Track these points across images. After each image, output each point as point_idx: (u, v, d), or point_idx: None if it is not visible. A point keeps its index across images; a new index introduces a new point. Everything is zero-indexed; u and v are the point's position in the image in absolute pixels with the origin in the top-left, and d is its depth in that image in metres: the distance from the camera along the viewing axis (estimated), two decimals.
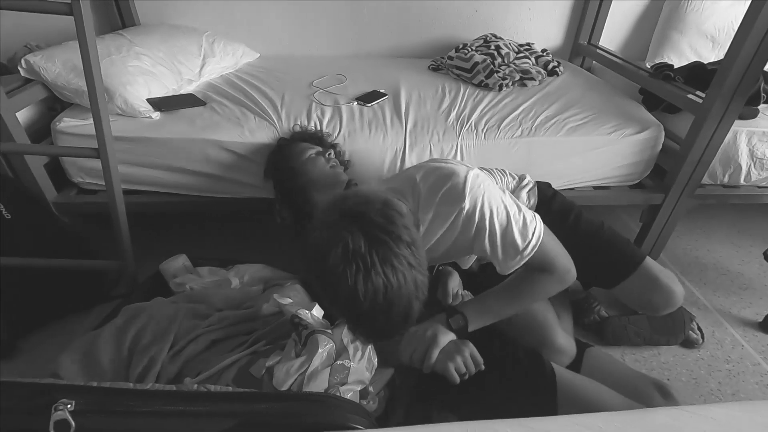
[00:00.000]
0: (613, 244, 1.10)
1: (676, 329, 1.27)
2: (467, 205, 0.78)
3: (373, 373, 0.85)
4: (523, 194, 1.15)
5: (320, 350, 0.77)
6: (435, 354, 0.81)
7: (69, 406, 0.60)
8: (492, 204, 0.80)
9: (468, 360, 0.81)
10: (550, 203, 1.13)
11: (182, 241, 1.57)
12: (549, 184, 1.23)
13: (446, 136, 1.36)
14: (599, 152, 1.41)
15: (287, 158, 1.19)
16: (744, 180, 1.51)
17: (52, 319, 1.27)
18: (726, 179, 1.52)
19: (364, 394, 0.82)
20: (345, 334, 0.84)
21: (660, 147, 1.45)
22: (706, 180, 1.50)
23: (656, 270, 1.06)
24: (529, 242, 0.81)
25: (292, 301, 0.98)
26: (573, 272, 0.88)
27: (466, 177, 0.79)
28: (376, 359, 0.86)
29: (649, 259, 1.08)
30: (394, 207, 0.67)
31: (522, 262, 0.82)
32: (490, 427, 0.46)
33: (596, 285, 1.04)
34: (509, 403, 0.86)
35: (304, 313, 0.87)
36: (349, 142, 1.32)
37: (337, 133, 1.33)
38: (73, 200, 1.33)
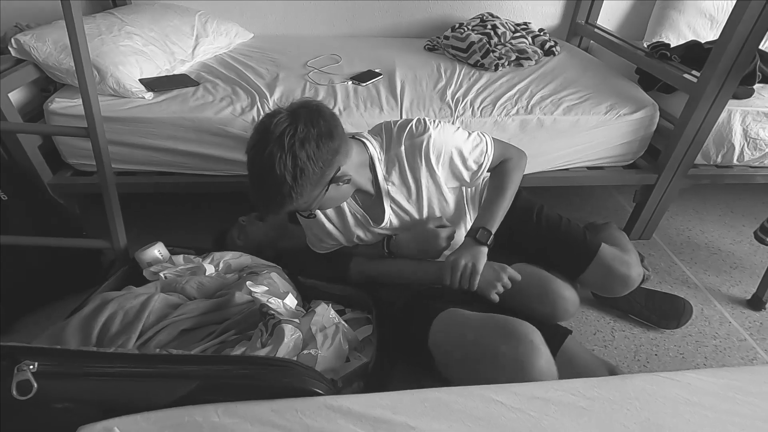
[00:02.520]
0: (572, 237, 1.15)
1: (670, 314, 1.29)
2: (432, 133, 0.95)
3: (344, 360, 0.86)
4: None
5: (286, 340, 0.77)
6: (477, 281, 0.92)
7: (32, 366, 0.61)
8: (450, 133, 0.98)
9: (507, 281, 0.94)
10: (514, 202, 1.16)
11: (176, 222, 1.58)
12: None
13: (441, 113, 1.36)
14: (594, 132, 1.41)
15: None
16: (737, 160, 1.52)
17: (50, 300, 1.28)
18: (719, 159, 1.52)
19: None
20: (314, 323, 0.85)
21: (655, 127, 1.45)
22: (699, 160, 1.51)
23: (610, 258, 1.11)
24: (486, 153, 1.01)
25: (267, 289, 0.97)
26: (523, 152, 1.08)
27: (426, 119, 0.98)
28: (347, 346, 0.88)
29: (604, 248, 1.13)
30: (325, 111, 0.85)
31: (487, 166, 1.01)
32: (475, 392, 0.48)
33: (561, 275, 1.09)
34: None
35: (275, 302, 0.87)
36: (344, 117, 1.32)
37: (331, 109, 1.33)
38: (68, 181, 1.34)
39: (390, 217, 1.03)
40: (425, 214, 1.04)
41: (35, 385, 0.61)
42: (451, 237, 1.03)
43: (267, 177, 0.79)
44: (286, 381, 0.64)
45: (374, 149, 0.97)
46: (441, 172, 0.99)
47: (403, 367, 1.02)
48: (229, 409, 0.52)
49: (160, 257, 1.11)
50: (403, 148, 0.96)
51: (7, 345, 0.66)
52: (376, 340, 0.95)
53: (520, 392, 0.52)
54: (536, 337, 0.77)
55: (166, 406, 0.58)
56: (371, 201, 1.02)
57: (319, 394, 0.63)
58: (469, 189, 1.11)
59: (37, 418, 0.69)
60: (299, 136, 0.78)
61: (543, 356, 0.72)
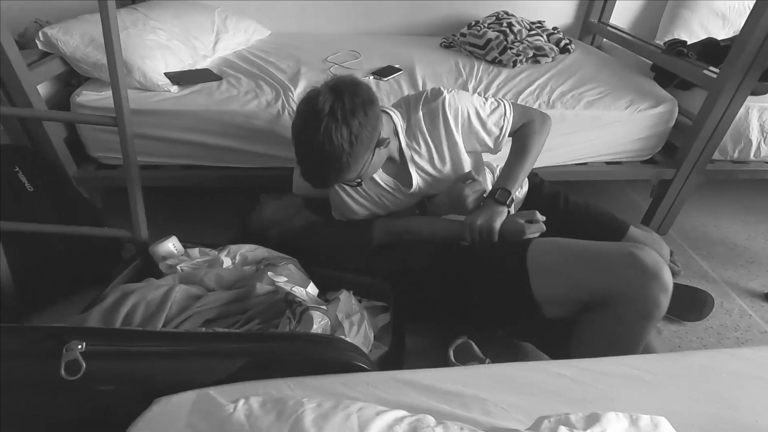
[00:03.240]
0: (601, 219, 1.17)
1: (692, 306, 1.30)
2: (447, 96, 0.99)
3: (370, 348, 0.87)
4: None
5: (315, 326, 0.77)
6: (495, 238, 0.97)
7: (80, 347, 0.60)
8: (466, 97, 1.03)
9: (534, 229, 0.98)
10: (540, 189, 1.23)
11: (194, 217, 1.57)
12: (535, 173, 1.29)
13: None
14: (614, 126, 1.43)
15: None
16: (753, 155, 1.54)
17: (69, 293, 1.28)
18: (736, 155, 1.54)
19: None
20: (340, 310, 0.86)
21: (673, 122, 1.47)
22: (716, 156, 1.53)
23: (642, 237, 1.12)
24: (505, 116, 1.04)
25: (286, 279, 0.97)
26: (547, 115, 1.10)
27: (441, 87, 1.03)
28: (372, 334, 0.88)
29: (633, 228, 1.14)
30: (361, 82, 0.90)
31: (508, 129, 1.04)
32: (540, 366, 0.49)
33: None
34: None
35: (299, 291, 0.88)
36: None
37: None
38: (92, 174, 1.34)
39: (417, 181, 1.07)
40: (449, 174, 1.07)
41: (84, 364, 0.61)
42: (478, 192, 1.05)
43: (325, 150, 0.85)
44: (332, 355, 0.64)
45: (397, 119, 1.03)
46: (461, 136, 1.02)
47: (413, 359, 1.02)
48: (301, 383, 0.52)
49: (175, 251, 1.10)
50: (420, 114, 1.01)
51: (54, 326, 0.66)
52: (392, 328, 0.96)
53: (584, 367, 0.52)
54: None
55: (214, 384, 0.57)
56: (398, 168, 1.07)
57: (363, 369, 0.64)
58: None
59: (81, 402, 0.69)
60: (348, 107, 0.85)
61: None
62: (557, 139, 1.42)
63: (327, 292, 1.09)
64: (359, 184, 1.00)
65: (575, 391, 0.51)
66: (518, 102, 1.40)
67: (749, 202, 1.85)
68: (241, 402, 0.38)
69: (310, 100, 0.88)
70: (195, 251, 1.09)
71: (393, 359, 0.90)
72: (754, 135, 1.49)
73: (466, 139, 1.04)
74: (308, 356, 0.64)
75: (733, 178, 1.60)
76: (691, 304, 1.30)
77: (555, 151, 1.45)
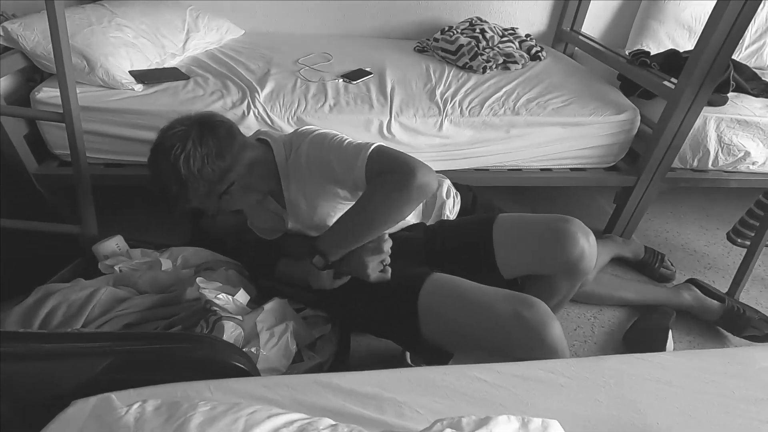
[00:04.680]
0: (468, 219, 1.14)
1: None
2: (304, 146, 0.93)
3: (290, 360, 0.85)
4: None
5: (225, 336, 0.75)
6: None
7: None
8: (324, 144, 0.92)
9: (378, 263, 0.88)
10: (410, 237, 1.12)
11: (156, 218, 1.56)
12: (469, 188, 1.30)
13: (430, 112, 1.39)
14: (578, 133, 1.46)
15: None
16: (712, 165, 1.58)
17: (23, 291, 1.25)
18: (695, 164, 1.59)
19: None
20: (261, 320, 0.84)
21: (636, 130, 1.51)
22: (676, 164, 1.57)
23: (526, 215, 1.08)
24: (356, 167, 0.84)
25: (221, 285, 0.94)
26: (423, 172, 0.80)
27: (310, 130, 0.97)
28: (294, 346, 0.86)
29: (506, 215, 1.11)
30: (220, 129, 0.91)
31: (357, 179, 0.85)
32: (459, 371, 0.50)
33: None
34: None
35: (225, 298, 0.85)
36: (335, 113, 1.34)
37: (321, 105, 1.35)
38: (53, 171, 1.32)
39: (293, 222, 1.02)
40: (319, 223, 1.00)
41: None
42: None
43: (159, 180, 0.90)
44: (200, 354, 0.63)
45: (280, 156, 0.97)
46: (319, 181, 0.94)
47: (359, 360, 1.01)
48: (221, 385, 0.53)
49: (118, 250, 1.08)
50: (293, 158, 0.96)
51: None
52: (336, 340, 0.95)
53: (502, 371, 0.54)
54: (545, 304, 0.76)
55: (76, 388, 0.55)
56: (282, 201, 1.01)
57: (242, 370, 0.63)
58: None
59: None
60: (185, 153, 0.85)
61: (558, 326, 0.72)
62: (523, 145, 1.45)
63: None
64: (215, 216, 1.02)
65: (491, 395, 0.53)
66: (484, 107, 1.42)
67: (709, 210, 1.91)
68: (136, 405, 0.39)
69: (166, 127, 0.91)
70: (137, 252, 1.07)
71: (329, 369, 0.89)
72: (712, 145, 1.53)
73: (323, 182, 0.94)
74: (173, 355, 0.62)
75: (693, 186, 1.64)
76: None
77: (521, 158, 1.48)
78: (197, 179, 0.87)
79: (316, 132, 0.95)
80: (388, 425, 0.45)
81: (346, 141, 0.90)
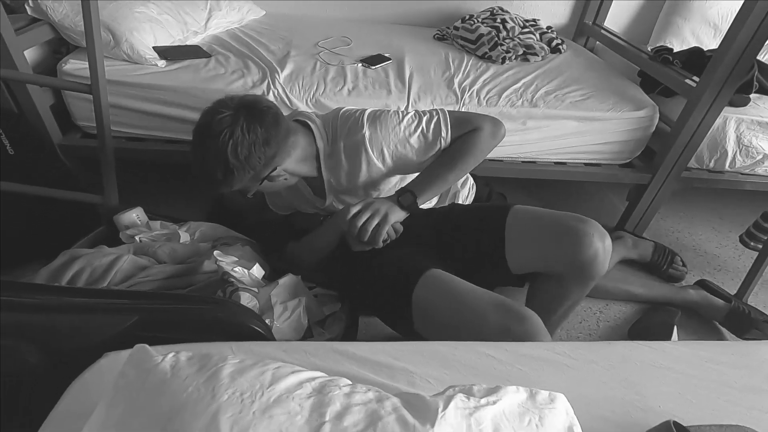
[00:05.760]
0: (483, 206, 1.18)
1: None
2: (366, 132, 0.95)
3: (301, 334, 0.88)
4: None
5: None
6: (384, 231, 0.90)
7: None
8: (389, 129, 0.95)
9: (391, 230, 0.92)
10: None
11: (177, 193, 1.59)
12: (486, 183, 1.31)
13: (447, 100, 1.39)
14: (595, 128, 1.45)
15: None
16: (729, 166, 1.57)
17: (47, 255, 1.30)
18: (712, 164, 1.57)
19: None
20: (275, 294, 0.87)
21: (653, 128, 1.50)
22: (692, 164, 1.56)
23: (541, 209, 1.06)
24: (441, 137, 0.96)
25: (236, 259, 0.97)
26: (500, 124, 1.00)
27: (364, 115, 0.97)
28: (306, 321, 0.89)
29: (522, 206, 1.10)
30: (267, 117, 0.88)
31: (443, 145, 0.96)
32: (469, 347, 0.52)
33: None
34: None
35: (240, 271, 0.89)
36: (353, 96, 1.36)
37: (339, 88, 1.37)
38: (77, 143, 1.36)
39: (331, 201, 1.07)
40: (361, 193, 1.04)
41: None
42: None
43: (203, 166, 0.89)
44: (221, 315, 0.67)
45: (321, 142, 0.99)
46: (388, 167, 0.98)
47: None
48: (242, 347, 0.56)
49: (138, 221, 1.11)
50: (341, 145, 0.98)
51: None
52: (346, 318, 0.97)
53: (510, 349, 0.56)
54: (538, 319, 0.75)
55: (104, 342, 0.58)
56: (318, 182, 1.05)
57: (260, 334, 0.66)
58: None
59: None
60: (234, 141, 0.84)
61: (547, 336, 0.72)
62: (538, 138, 1.45)
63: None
64: (251, 197, 1.01)
65: (498, 370, 0.55)
66: (501, 98, 1.42)
67: (723, 211, 1.89)
68: (171, 354, 0.41)
69: (212, 111, 0.88)
70: (156, 224, 1.10)
71: None
72: (731, 146, 1.52)
73: (399, 166, 0.99)
74: (196, 316, 0.66)
75: (708, 186, 1.63)
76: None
77: (536, 151, 1.48)
78: (243, 167, 0.87)
79: (370, 123, 0.95)
80: (397, 391, 0.47)
81: (416, 130, 0.95)
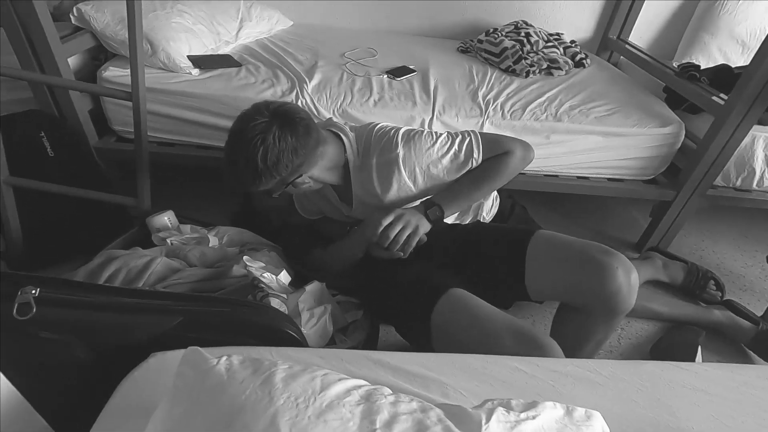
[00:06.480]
0: (505, 227, 1.15)
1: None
2: (401, 152, 0.97)
3: (327, 341, 0.90)
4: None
5: None
6: (414, 242, 0.93)
7: (34, 291, 0.65)
8: (423, 150, 0.98)
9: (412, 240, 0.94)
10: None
11: (208, 195, 1.64)
12: (509, 196, 1.32)
13: (472, 113, 1.41)
14: (619, 143, 1.45)
15: None
16: (756, 185, 1.55)
17: (77, 255, 1.34)
18: (739, 183, 1.55)
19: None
20: (303, 300, 0.89)
21: (679, 145, 1.49)
22: (718, 182, 1.54)
23: (565, 236, 1.05)
24: (473, 158, 0.99)
25: (264, 264, 0.99)
26: (530, 148, 1.03)
27: (399, 134, 1.00)
28: (332, 328, 0.91)
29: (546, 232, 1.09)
30: (299, 126, 0.92)
31: (475, 165, 0.99)
32: (501, 361, 0.53)
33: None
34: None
35: (269, 277, 0.91)
36: (379, 107, 1.38)
37: (366, 99, 1.40)
38: (112, 146, 1.41)
39: (358, 208, 1.08)
40: (387, 204, 1.05)
41: (35, 308, 0.64)
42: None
43: (233, 167, 0.93)
44: (259, 319, 0.69)
45: (352, 155, 1.02)
46: (420, 186, 1.01)
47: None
48: (281, 352, 0.58)
49: (169, 225, 1.15)
50: (374, 161, 1.00)
51: (11, 272, 0.71)
52: (368, 326, 0.99)
53: (541, 365, 0.56)
54: (557, 347, 0.74)
55: (149, 342, 0.62)
56: (343, 189, 1.08)
57: (294, 338, 0.68)
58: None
59: (23, 347, 0.70)
60: (265, 147, 0.88)
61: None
62: (562, 152, 1.45)
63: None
64: (279, 196, 1.03)
65: (529, 385, 0.55)
66: (526, 112, 1.43)
67: (749, 231, 1.86)
68: (224, 358, 0.43)
69: (247, 116, 0.91)
70: (187, 227, 1.14)
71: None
72: (758, 164, 1.50)
73: (429, 186, 1.02)
74: (236, 318, 0.69)
75: (734, 205, 1.61)
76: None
77: (559, 166, 1.48)
78: (270, 172, 0.90)
79: (405, 143, 0.97)
80: (433, 401, 0.48)
81: (448, 151, 0.98)
